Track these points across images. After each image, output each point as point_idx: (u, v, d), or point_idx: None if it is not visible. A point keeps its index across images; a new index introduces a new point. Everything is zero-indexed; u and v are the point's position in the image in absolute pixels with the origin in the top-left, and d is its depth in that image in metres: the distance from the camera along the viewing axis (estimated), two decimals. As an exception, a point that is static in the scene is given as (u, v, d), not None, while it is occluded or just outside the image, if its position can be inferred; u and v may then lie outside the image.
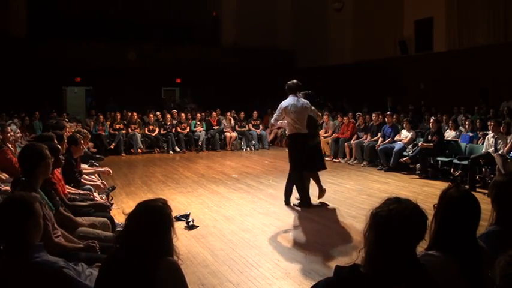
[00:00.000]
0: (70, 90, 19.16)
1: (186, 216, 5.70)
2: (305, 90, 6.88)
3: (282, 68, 19.04)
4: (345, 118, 11.87)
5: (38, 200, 2.35)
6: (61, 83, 17.59)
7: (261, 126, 14.59)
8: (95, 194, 5.11)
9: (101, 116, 13.28)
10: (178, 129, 13.55)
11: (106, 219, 4.09)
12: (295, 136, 6.61)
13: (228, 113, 14.44)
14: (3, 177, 5.31)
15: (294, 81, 6.79)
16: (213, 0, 20.16)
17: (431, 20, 14.12)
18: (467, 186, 7.07)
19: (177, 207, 6.18)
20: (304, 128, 6.57)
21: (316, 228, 5.58)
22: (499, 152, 7.69)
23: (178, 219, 5.60)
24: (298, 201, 6.67)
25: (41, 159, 3.23)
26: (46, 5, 17.57)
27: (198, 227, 5.53)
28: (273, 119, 6.92)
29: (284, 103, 6.61)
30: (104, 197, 5.35)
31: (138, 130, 13.15)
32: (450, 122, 10.17)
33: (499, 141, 7.85)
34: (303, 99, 6.63)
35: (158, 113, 13.99)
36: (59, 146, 4.29)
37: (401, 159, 9.46)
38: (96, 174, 6.07)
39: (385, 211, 1.64)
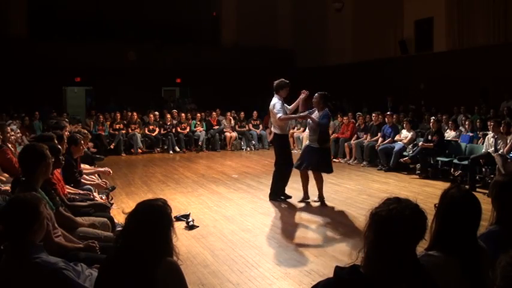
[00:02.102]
0: (70, 90, 19.16)
1: (186, 216, 5.71)
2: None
3: (282, 68, 19.01)
4: (345, 118, 11.86)
5: (42, 202, 2.36)
6: (61, 83, 17.59)
7: (261, 126, 14.58)
8: (95, 194, 5.11)
9: (101, 116, 13.28)
10: (178, 129, 13.54)
11: (106, 219, 4.09)
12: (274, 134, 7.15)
13: (228, 113, 14.44)
14: (3, 178, 5.31)
15: (279, 80, 6.94)
16: (213, 0, 20.15)
17: (431, 20, 14.12)
18: (467, 186, 7.07)
19: (177, 207, 6.18)
20: (274, 127, 6.92)
21: (316, 228, 5.58)
22: (499, 152, 7.69)
23: (178, 219, 5.61)
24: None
25: (42, 159, 3.23)
26: (46, 5, 17.56)
27: (198, 227, 5.53)
28: None
29: None
30: (104, 197, 5.35)
31: (138, 130, 13.15)
32: (450, 122, 10.18)
33: (499, 141, 7.85)
34: (275, 100, 6.78)
35: (156, 113, 13.98)
36: (59, 146, 4.29)
37: (401, 159, 9.46)
38: (96, 174, 6.07)
39: (385, 211, 1.64)
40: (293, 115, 6.88)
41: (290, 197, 6.93)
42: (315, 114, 6.74)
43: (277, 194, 6.93)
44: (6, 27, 16.18)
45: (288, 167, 6.88)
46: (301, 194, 6.93)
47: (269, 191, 7.01)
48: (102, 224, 3.97)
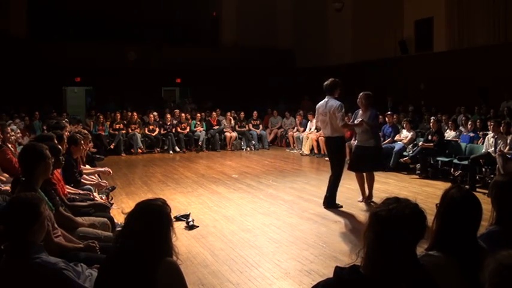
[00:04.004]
0: (70, 90, 19.17)
1: (186, 216, 5.71)
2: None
3: (282, 68, 19.06)
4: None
5: (43, 202, 2.36)
6: (61, 83, 17.58)
7: (261, 126, 14.59)
8: (95, 194, 5.11)
9: (101, 116, 13.29)
10: (178, 129, 13.55)
11: (106, 219, 4.09)
12: (325, 139, 6.73)
13: (228, 113, 14.44)
14: (4, 178, 5.31)
15: (330, 80, 6.61)
16: (213, 0, 20.16)
17: (431, 20, 14.11)
18: (467, 186, 7.07)
19: (177, 207, 6.19)
20: (330, 131, 6.53)
21: (316, 228, 5.58)
22: (499, 152, 7.69)
23: (178, 219, 5.61)
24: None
25: (41, 159, 3.23)
26: (46, 5, 17.56)
27: (198, 227, 5.53)
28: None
29: (318, 104, 6.66)
30: (104, 197, 5.36)
31: (138, 130, 13.15)
32: (450, 122, 10.17)
33: (499, 141, 7.85)
34: (334, 101, 6.43)
35: (155, 113, 13.98)
36: (59, 146, 4.29)
37: (401, 159, 9.47)
38: (96, 175, 6.07)
39: (385, 211, 1.64)
40: (352, 124, 6.78)
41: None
42: (360, 114, 6.82)
43: (335, 200, 6.58)
44: (6, 27, 16.16)
45: (341, 171, 6.68)
46: (299, 194, 6.96)
47: (326, 198, 6.57)
48: (102, 224, 3.97)
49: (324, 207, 6.48)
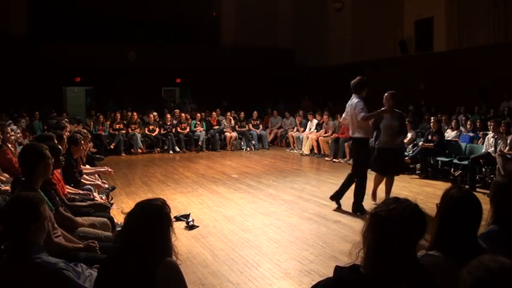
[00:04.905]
0: (70, 90, 19.18)
1: (186, 216, 5.71)
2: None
3: (282, 68, 19.06)
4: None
5: (43, 202, 2.36)
6: (61, 83, 17.60)
7: (261, 126, 14.59)
8: (95, 194, 5.11)
9: (101, 116, 13.29)
10: (178, 129, 13.55)
11: (106, 219, 4.09)
12: (351, 139, 6.64)
13: (228, 113, 14.45)
14: (4, 178, 5.31)
15: (357, 78, 6.43)
16: (213, 0, 20.16)
17: (431, 20, 14.12)
18: (467, 186, 7.07)
19: (177, 207, 6.19)
20: (351, 130, 6.40)
21: (316, 228, 5.58)
22: (499, 152, 7.70)
23: (178, 219, 5.61)
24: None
25: (41, 159, 3.23)
26: (46, 5, 17.57)
27: (198, 227, 5.53)
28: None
29: (348, 102, 6.55)
30: (104, 197, 5.36)
31: (138, 130, 13.15)
32: (453, 121, 10.17)
33: (499, 141, 7.85)
34: (356, 100, 6.30)
35: (155, 113, 13.98)
36: (59, 146, 4.29)
37: (402, 159, 9.47)
38: (96, 175, 6.07)
39: (384, 211, 1.64)
40: (374, 112, 6.49)
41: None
42: (386, 115, 6.67)
43: (361, 205, 6.36)
44: (6, 27, 16.17)
45: (364, 175, 6.51)
46: (299, 194, 6.94)
47: (352, 203, 6.40)
48: (102, 224, 3.97)
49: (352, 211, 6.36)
